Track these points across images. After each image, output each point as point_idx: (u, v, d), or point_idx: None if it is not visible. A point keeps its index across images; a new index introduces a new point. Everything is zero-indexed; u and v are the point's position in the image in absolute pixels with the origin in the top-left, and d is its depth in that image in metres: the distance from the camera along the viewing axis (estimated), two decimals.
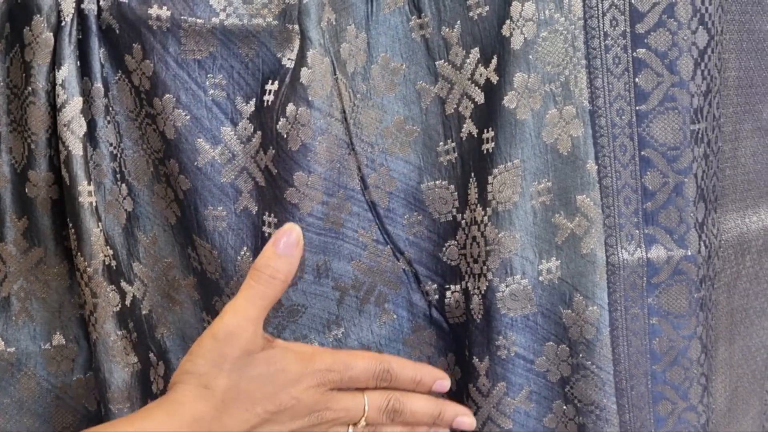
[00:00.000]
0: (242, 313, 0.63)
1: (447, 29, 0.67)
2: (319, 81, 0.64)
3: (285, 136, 0.65)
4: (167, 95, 0.66)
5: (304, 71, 0.64)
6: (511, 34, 0.64)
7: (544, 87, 0.66)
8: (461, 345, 0.73)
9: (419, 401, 0.69)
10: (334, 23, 0.65)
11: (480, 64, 0.67)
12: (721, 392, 0.74)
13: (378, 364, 0.68)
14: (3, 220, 0.69)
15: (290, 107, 0.64)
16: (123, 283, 0.70)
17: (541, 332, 0.71)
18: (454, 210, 0.70)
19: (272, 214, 0.67)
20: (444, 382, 0.70)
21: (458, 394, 0.74)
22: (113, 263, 0.70)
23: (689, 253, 0.67)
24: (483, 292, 0.69)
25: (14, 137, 0.69)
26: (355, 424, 0.68)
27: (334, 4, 0.65)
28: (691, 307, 0.68)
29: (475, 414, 0.72)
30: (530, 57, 0.65)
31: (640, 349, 0.69)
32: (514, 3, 0.64)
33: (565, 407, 0.72)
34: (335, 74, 0.65)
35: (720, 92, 0.67)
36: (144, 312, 0.74)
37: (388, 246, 0.71)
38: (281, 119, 0.64)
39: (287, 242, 0.63)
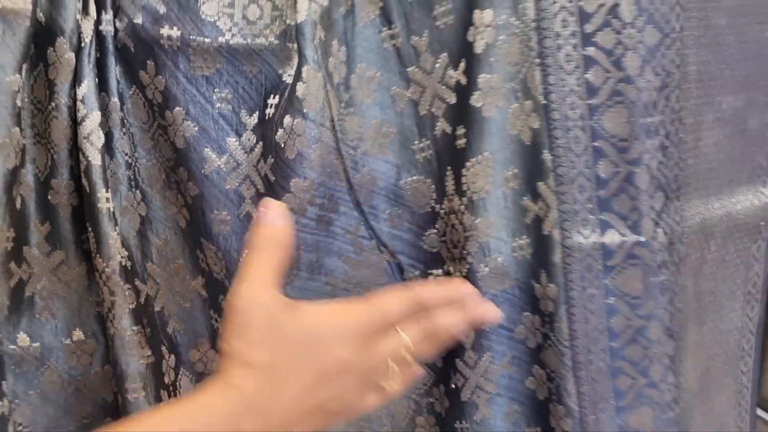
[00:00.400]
0: (256, 281, 0.60)
1: (416, 38, 0.71)
2: (313, 94, 0.68)
3: (282, 145, 0.69)
4: (177, 108, 0.70)
5: (299, 86, 0.68)
6: (474, 40, 0.68)
7: (506, 85, 0.69)
8: None
9: (448, 316, 0.67)
10: (323, 40, 0.69)
11: (449, 68, 0.70)
12: (692, 373, 0.76)
13: (409, 300, 0.66)
14: (27, 226, 0.73)
15: (287, 119, 0.68)
16: (138, 282, 0.75)
17: (518, 303, 0.74)
18: (432, 201, 0.74)
19: None
20: (466, 288, 0.69)
21: (445, 370, 0.77)
22: (129, 264, 0.74)
23: (642, 239, 0.69)
24: (464, 273, 0.73)
25: (38, 149, 0.73)
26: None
27: (323, 23, 0.69)
28: (647, 290, 0.70)
29: (463, 386, 0.75)
30: (491, 59, 0.68)
31: (598, 326, 0.71)
32: (475, 11, 0.67)
33: (541, 371, 0.75)
34: (326, 86, 0.69)
35: (680, 86, 0.69)
36: (157, 309, 0.78)
37: (373, 240, 0.75)
38: (279, 130, 0.68)
39: (276, 213, 0.62)
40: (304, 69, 0.67)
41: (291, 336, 0.60)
